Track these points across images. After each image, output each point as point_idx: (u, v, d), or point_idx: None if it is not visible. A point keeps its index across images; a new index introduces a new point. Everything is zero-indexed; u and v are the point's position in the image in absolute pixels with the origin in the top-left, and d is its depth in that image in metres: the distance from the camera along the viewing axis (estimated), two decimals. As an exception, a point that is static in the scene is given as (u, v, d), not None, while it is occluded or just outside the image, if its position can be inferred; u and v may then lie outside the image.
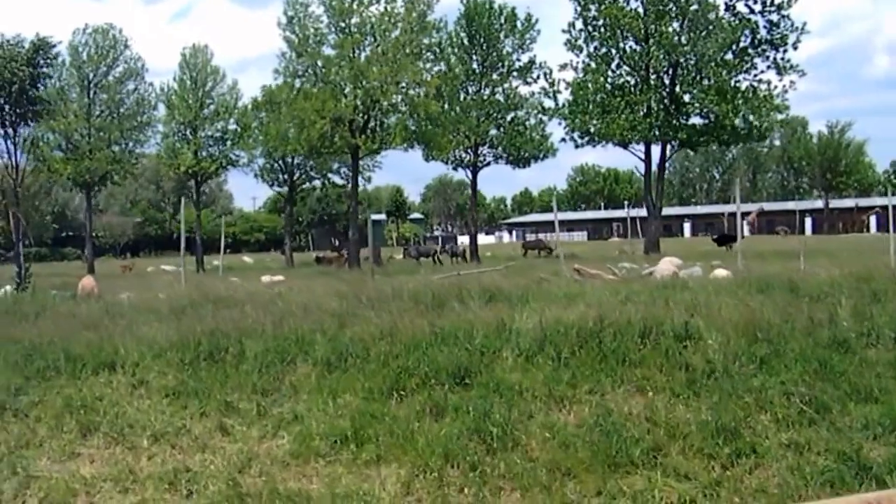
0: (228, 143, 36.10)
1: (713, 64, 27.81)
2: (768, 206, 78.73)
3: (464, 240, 64.44)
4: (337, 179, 39.48)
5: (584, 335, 7.94)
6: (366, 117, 26.95)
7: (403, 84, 25.60)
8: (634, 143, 31.00)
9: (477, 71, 32.47)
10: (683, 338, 7.93)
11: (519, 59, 32.73)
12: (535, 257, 35.71)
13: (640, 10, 29.06)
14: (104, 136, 34.13)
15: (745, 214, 75.63)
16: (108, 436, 7.03)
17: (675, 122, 29.24)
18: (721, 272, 15.85)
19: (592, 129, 29.83)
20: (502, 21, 32.61)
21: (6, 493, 6.37)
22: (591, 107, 30.16)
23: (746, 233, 72.55)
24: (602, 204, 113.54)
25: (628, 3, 29.70)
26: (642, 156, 31.12)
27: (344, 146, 27.21)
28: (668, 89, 29.71)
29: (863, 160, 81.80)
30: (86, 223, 34.95)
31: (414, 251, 31.98)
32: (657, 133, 29.24)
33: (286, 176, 38.13)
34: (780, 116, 29.62)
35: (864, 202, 74.99)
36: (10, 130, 17.87)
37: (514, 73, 32.81)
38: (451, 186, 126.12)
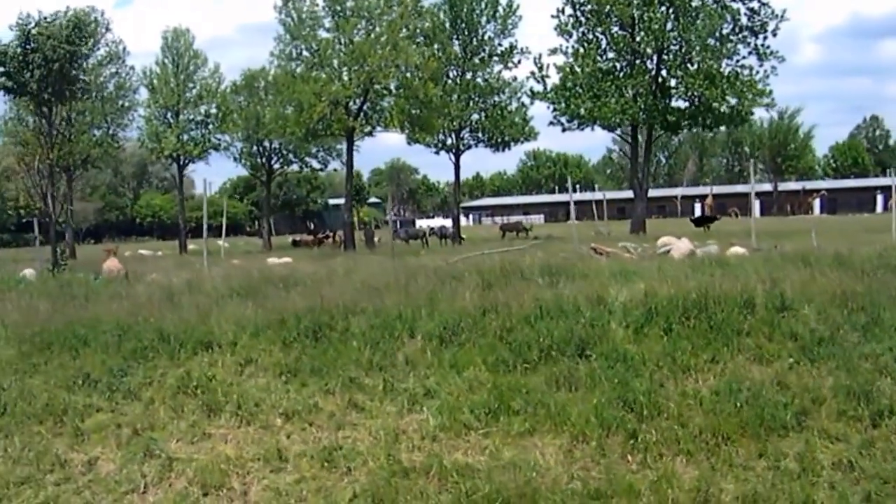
0: (211, 126, 35.36)
1: (699, 48, 28.54)
2: (717, 189, 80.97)
3: (424, 223, 64.44)
4: (314, 163, 39.08)
5: (689, 307, 8.09)
6: (362, 100, 26.77)
7: (402, 66, 25.48)
8: (622, 127, 31.66)
9: (459, 55, 32.38)
10: (780, 308, 8.16)
11: (500, 45, 32.83)
12: (513, 238, 35.91)
13: (629, -6, 29.47)
14: (86, 120, 33.02)
15: (701, 197, 77.90)
16: (235, 415, 6.86)
17: (662, 105, 29.92)
18: (738, 249, 16.29)
19: (583, 113, 30.26)
20: (483, 6, 32.60)
21: (150, 475, 6.17)
22: (579, 90, 30.54)
23: (697, 213, 74.95)
24: (556, 187, 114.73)
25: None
26: (629, 139, 31.71)
27: (341, 129, 26.96)
28: (653, 74, 30.32)
29: (810, 145, 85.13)
30: (67, 208, 33.68)
31: (403, 233, 31.90)
32: (646, 117, 29.86)
33: (264, 160, 37.51)
34: (765, 101, 30.63)
35: (809, 185, 77.98)
36: (45, 109, 16.88)
37: (496, 58, 32.88)
38: (403, 171, 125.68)
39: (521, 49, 32.86)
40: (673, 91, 30.85)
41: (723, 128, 38.90)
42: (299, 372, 7.44)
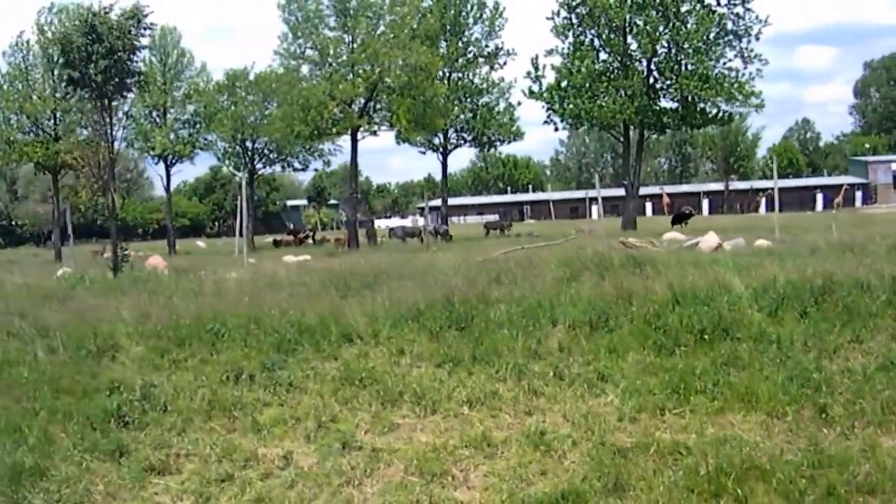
0: (199, 125, 34.52)
1: (691, 52, 29.48)
2: (668, 188, 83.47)
3: (381, 223, 64.45)
4: (296, 164, 38.61)
5: (816, 291, 8.42)
6: (366, 98, 26.72)
7: (409, 66, 25.48)
8: (615, 127, 32.44)
9: (447, 56, 32.50)
10: (894, 291, 8.57)
11: (487, 46, 33.13)
12: (498, 235, 36.27)
13: (621, -2, 30.12)
14: (73, 119, 31.69)
15: (657, 196, 79.98)
16: (417, 405, 6.81)
17: (655, 106, 30.76)
18: (764, 242, 16.94)
19: (579, 112, 30.77)
20: (470, 8, 32.84)
21: (359, 467, 6.07)
22: (570, 91, 31.07)
23: (649, 213, 77.20)
24: (507, 188, 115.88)
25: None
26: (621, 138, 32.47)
27: (347, 127, 26.78)
28: (645, 75, 31.13)
29: (759, 146, 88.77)
30: (53, 209, 32.38)
31: (400, 231, 31.87)
32: (641, 117, 30.61)
33: (247, 159, 36.82)
34: (755, 101, 31.79)
35: (757, 185, 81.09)
36: (105, 102, 16.17)
37: (482, 59, 33.19)
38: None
39: (508, 50, 33.28)
40: (662, 92, 31.75)
41: (714, 126, 40.01)
42: (460, 361, 7.42)
